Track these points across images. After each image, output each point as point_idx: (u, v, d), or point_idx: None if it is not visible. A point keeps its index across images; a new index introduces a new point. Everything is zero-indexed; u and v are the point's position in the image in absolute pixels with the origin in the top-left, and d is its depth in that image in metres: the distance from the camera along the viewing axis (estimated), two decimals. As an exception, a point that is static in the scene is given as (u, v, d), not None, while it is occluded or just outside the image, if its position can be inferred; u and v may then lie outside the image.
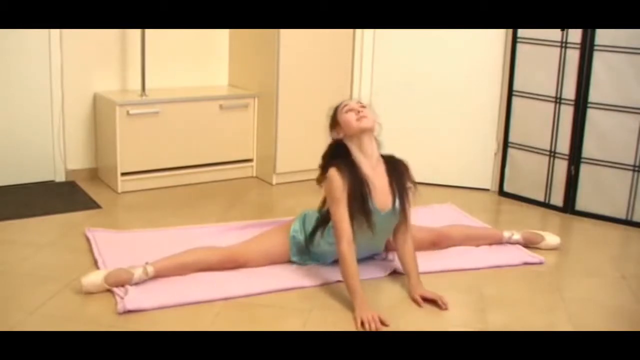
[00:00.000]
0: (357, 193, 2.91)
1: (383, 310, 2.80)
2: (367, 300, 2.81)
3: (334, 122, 3.05)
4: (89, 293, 2.82)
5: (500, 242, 3.53)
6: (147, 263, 2.93)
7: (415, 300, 2.93)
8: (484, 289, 3.09)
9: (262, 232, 3.31)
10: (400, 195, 3.02)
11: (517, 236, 3.54)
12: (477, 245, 3.49)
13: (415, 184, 3.08)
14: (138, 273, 2.87)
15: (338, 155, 3.01)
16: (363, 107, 3.00)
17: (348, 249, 2.86)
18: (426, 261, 3.26)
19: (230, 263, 3.08)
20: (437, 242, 3.39)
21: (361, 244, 2.99)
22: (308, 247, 3.14)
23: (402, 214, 3.04)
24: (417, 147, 4.57)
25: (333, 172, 2.92)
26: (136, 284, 2.86)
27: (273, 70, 4.34)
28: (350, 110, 2.98)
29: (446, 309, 2.87)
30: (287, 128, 4.43)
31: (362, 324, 2.70)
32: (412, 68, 4.51)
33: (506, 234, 3.54)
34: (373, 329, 2.68)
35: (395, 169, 3.06)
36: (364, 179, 2.93)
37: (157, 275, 2.92)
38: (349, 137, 3.00)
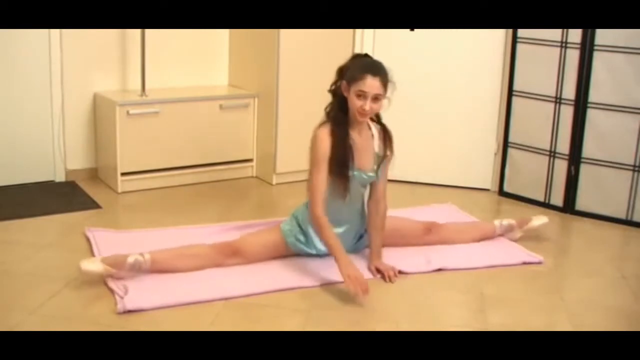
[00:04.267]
0: (340, 158, 3.01)
1: (383, 309, 2.80)
2: (352, 261, 2.94)
3: (349, 78, 3.00)
4: (87, 275, 2.85)
5: (493, 231, 3.58)
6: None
7: (370, 271, 3.04)
8: (484, 289, 3.09)
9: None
10: (381, 160, 3.15)
11: (506, 222, 3.61)
12: (473, 239, 3.53)
13: (393, 153, 3.21)
14: (134, 256, 2.90)
15: (339, 110, 3.07)
16: (377, 98, 3.00)
17: (322, 214, 2.98)
18: (426, 261, 3.27)
19: (226, 248, 3.11)
20: (431, 227, 3.45)
21: (338, 207, 3.10)
22: (305, 228, 3.18)
23: (378, 179, 3.15)
24: (417, 147, 4.57)
25: (322, 133, 3.03)
26: (133, 268, 2.89)
27: (273, 70, 4.34)
28: (363, 97, 2.98)
29: (392, 282, 3.01)
30: (287, 128, 4.43)
31: (350, 278, 2.82)
32: (412, 68, 4.50)
33: (497, 222, 3.60)
34: (358, 287, 2.79)
35: (381, 135, 3.18)
36: (349, 146, 3.04)
37: (154, 262, 2.94)
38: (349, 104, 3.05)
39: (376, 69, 3.00)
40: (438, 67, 4.47)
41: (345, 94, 3.04)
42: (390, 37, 4.48)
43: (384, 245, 3.28)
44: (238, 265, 3.12)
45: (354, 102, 2.99)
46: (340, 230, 3.16)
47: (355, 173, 3.08)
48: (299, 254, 3.24)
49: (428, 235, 3.42)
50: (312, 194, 3.00)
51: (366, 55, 3.22)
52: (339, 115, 3.06)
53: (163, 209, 3.94)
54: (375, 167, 3.14)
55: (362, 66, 3.01)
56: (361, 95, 2.97)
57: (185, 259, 3.03)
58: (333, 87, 3.11)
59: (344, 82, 3.04)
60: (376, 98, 2.99)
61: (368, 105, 2.97)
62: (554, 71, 4.09)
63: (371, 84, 2.96)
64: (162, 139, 4.26)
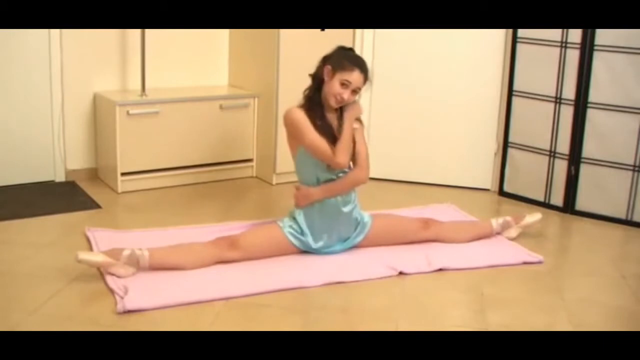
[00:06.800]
0: (329, 134, 3.16)
1: (383, 309, 2.80)
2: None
3: (336, 65, 3.15)
4: (84, 263, 2.88)
5: (491, 230, 3.60)
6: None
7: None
8: (484, 289, 3.09)
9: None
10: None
11: (501, 219, 3.64)
12: (471, 237, 3.55)
13: (361, 124, 3.32)
14: (131, 249, 2.94)
15: (317, 93, 3.22)
16: (355, 91, 3.17)
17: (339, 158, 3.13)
18: (427, 262, 3.27)
19: (224, 240, 3.14)
20: (428, 221, 3.50)
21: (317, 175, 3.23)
22: (301, 224, 3.23)
23: (354, 150, 3.26)
24: (417, 147, 4.57)
25: (296, 112, 3.16)
26: (129, 260, 2.91)
27: (273, 70, 4.34)
28: (345, 87, 3.14)
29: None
30: (287, 128, 4.42)
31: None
32: (412, 68, 4.51)
33: (493, 220, 3.63)
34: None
35: (341, 117, 3.26)
36: (332, 127, 3.18)
37: (152, 257, 2.97)
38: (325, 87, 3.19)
39: (365, 66, 3.19)
40: (438, 67, 4.47)
41: (326, 78, 3.17)
42: (390, 37, 4.48)
43: (381, 244, 3.35)
44: (237, 260, 3.13)
45: (335, 88, 3.15)
46: (321, 243, 3.26)
47: None
48: (298, 252, 3.26)
49: (425, 230, 3.45)
50: (321, 152, 3.14)
51: (351, 49, 3.35)
52: (316, 98, 3.21)
53: (163, 209, 3.94)
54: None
55: (354, 59, 3.20)
56: (345, 84, 3.13)
57: (183, 253, 3.05)
58: (316, 71, 3.26)
59: (328, 67, 3.17)
60: (354, 91, 3.16)
61: (347, 94, 3.14)
62: (554, 71, 4.09)
63: (358, 78, 3.15)
64: (162, 139, 4.26)
